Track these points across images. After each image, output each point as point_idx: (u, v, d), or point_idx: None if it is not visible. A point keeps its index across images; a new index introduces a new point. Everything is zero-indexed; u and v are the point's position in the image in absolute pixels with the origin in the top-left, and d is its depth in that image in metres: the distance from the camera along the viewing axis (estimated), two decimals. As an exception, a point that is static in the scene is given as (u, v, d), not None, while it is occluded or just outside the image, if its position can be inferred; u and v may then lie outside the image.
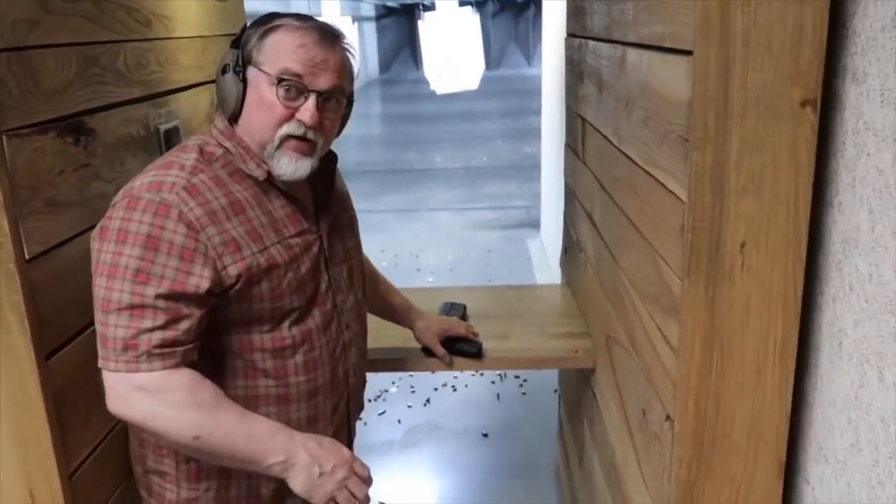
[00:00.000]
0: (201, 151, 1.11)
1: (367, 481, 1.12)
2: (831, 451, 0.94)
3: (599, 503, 1.65)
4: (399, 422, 3.05)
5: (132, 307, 1.00)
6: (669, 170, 1.02)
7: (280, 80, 1.06)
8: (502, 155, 9.10)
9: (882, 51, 0.82)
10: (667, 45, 1.01)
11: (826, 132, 0.93)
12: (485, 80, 4.81)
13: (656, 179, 1.09)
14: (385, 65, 21.40)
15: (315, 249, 1.19)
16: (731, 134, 0.91)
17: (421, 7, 6.14)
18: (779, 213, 0.93)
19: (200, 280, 1.04)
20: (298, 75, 1.06)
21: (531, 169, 7.12)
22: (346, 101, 1.17)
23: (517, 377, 3.34)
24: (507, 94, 14.75)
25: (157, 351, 1.01)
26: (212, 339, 1.10)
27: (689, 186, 0.93)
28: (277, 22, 1.10)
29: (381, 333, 1.67)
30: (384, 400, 3.22)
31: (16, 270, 1.02)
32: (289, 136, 1.08)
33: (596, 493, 1.69)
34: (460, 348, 1.65)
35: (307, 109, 1.08)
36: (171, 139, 1.53)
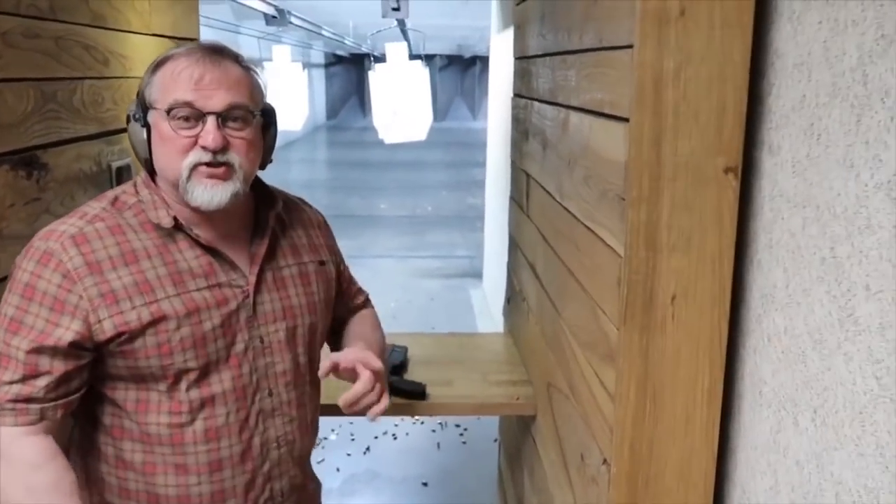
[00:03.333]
0: (115, 200, 1.09)
1: None
2: (753, 493, 1.01)
3: (537, 550, 1.67)
4: (338, 470, 3.00)
5: (0, 357, 0.99)
6: (607, 225, 1.10)
7: (170, 111, 1.03)
8: (447, 205, 9.25)
9: (793, 127, 0.92)
10: (606, 111, 1.10)
11: (746, 197, 1.03)
12: (431, 131, 4.94)
13: (595, 234, 1.16)
14: (333, 111, 21.58)
15: (233, 305, 1.10)
16: (662, 195, 0.99)
17: (371, 58, 6.28)
18: (706, 269, 1.01)
19: (65, 333, 0.99)
20: (188, 102, 1.02)
21: (474, 220, 7.27)
22: (264, 118, 1.11)
23: (457, 426, 3.35)
24: (452, 145, 15.07)
25: (10, 406, 0.98)
26: (108, 392, 1.07)
27: (625, 242, 1.01)
28: (165, 55, 1.07)
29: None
30: (323, 447, 3.17)
31: (-41, 302, 1.00)
32: (197, 165, 1.03)
33: (533, 539, 1.71)
34: (405, 388, 1.67)
35: (207, 133, 1.02)
36: (122, 176, 1.54)
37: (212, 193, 1.04)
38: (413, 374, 1.82)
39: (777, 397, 0.95)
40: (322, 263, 1.26)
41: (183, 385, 1.06)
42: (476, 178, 9.30)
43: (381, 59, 5.75)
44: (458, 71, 21.75)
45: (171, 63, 1.05)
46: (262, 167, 1.16)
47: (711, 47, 0.95)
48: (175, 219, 1.07)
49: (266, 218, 1.17)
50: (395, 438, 3.28)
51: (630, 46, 0.97)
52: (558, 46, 1.45)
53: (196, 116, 1.03)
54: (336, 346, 1.37)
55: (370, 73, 5.51)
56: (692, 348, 1.03)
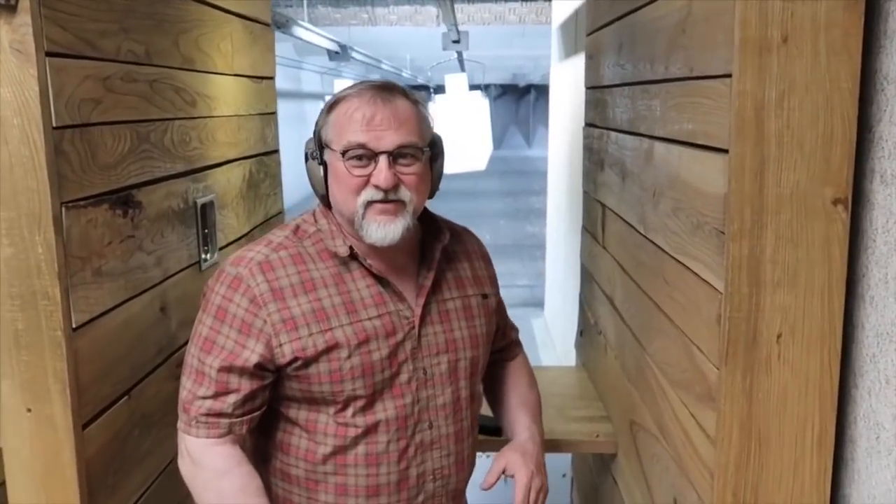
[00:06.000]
0: (296, 229, 1.15)
1: None
2: (872, 547, 0.94)
3: None
4: None
5: (196, 373, 1.08)
6: (703, 259, 1.06)
7: (345, 153, 1.07)
8: (505, 233, 9.22)
9: (910, 156, 0.87)
10: (700, 141, 1.07)
11: (856, 230, 0.97)
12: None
13: (688, 268, 1.12)
14: (389, 142, 21.94)
15: (400, 335, 1.13)
16: (766, 228, 0.95)
17: (431, 88, 6.37)
18: (813, 305, 0.96)
19: (251, 354, 1.06)
20: (361, 144, 1.06)
21: (533, 248, 7.20)
22: (431, 150, 1.13)
23: (524, 459, 3.27)
24: (508, 174, 15.08)
25: (203, 419, 1.06)
26: (283, 410, 1.13)
27: (725, 277, 0.96)
28: (338, 96, 1.12)
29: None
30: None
31: (62, 338, 1.03)
32: (370, 202, 1.08)
33: (615, 585, 1.64)
34: (480, 424, 1.64)
35: (379, 172, 1.06)
36: (206, 212, 1.58)
37: (385, 231, 1.08)
38: (486, 408, 1.78)
39: (899, 444, 0.88)
40: (485, 297, 1.26)
41: (350, 411, 1.11)
42: (533, 206, 9.26)
43: (439, 89, 5.81)
44: (513, 100, 21.85)
45: (345, 104, 1.09)
46: (430, 196, 1.19)
47: (817, 75, 0.92)
48: (350, 248, 1.12)
49: (433, 250, 1.19)
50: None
51: (728, 76, 0.94)
52: (639, 76, 1.42)
53: (369, 156, 1.07)
54: (492, 394, 1.40)
55: (430, 104, 5.58)
56: (800, 389, 0.97)
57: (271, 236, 1.15)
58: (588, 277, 2.06)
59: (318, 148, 1.13)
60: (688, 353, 1.12)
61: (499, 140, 20.69)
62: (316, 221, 1.16)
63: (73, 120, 1.07)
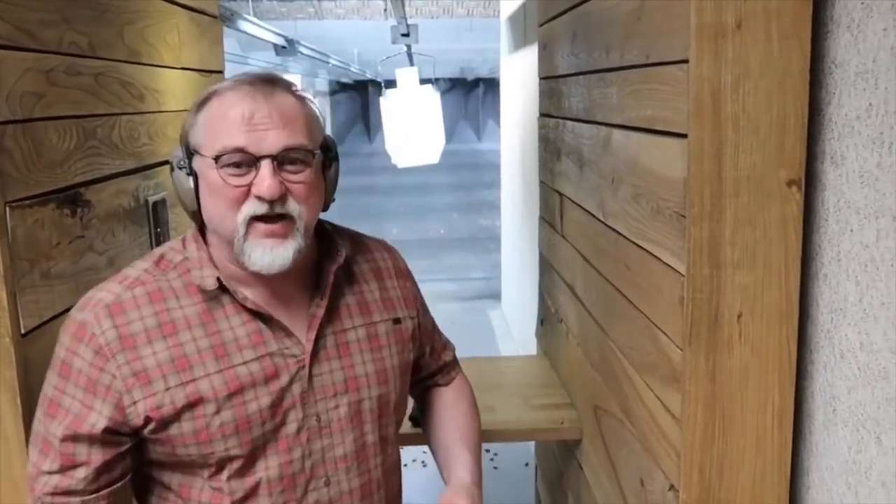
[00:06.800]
0: (159, 259, 0.97)
1: None
2: (832, 515, 0.97)
3: (588, 579, 1.62)
4: (367, 500, 2.95)
5: (42, 441, 0.92)
6: (664, 244, 1.07)
7: (218, 159, 0.89)
8: (459, 227, 9.25)
9: (858, 137, 0.90)
10: (658, 127, 1.08)
11: (809, 210, 1.01)
12: (441, 154, 4.95)
13: (649, 253, 1.14)
14: (339, 138, 21.72)
15: (285, 378, 0.95)
16: (725, 211, 0.97)
17: (383, 83, 6.32)
18: (772, 284, 0.98)
19: (98, 418, 0.89)
20: (239, 147, 0.89)
21: (487, 241, 7.25)
22: (325, 155, 0.98)
23: (487, 450, 3.30)
24: (459, 167, 15.11)
25: (48, 499, 0.91)
26: (156, 473, 0.98)
27: (687, 260, 0.98)
28: (209, 91, 0.94)
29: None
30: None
31: (11, 345, 0.99)
32: (253, 219, 0.90)
33: (583, 568, 1.67)
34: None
35: (262, 179, 0.89)
36: (158, 211, 1.53)
37: (272, 256, 0.91)
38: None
39: (854, 415, 0.92)
40: (397, 321, 1.08)
41: (225, 474, 0.94)
42: (486, 199, 9.31)
43: (389, 84, 5.78)
44: (462, 94, 21.89)
45: (217, 100, 0.92)
46: (325, 208, 1.02)
47: (770, 59, 0.94)
48: (218, 279, 0.94)
49: (327, 273, 1.01)
50: (426, 465, 3.23)
51: (685, 61, 0.96)
52: (595, 65, 1.44)
53: (249, 162, 0.90)
54: (426, 426, 1.22)
55: (381, 99, 5.54)
56: (761, 367, 1.00)
57: (129, 270, 0.97)
58: (547, 267, 2.08)
59: (185, 156, 0.94)
60: (651, 336, 1.14)
61: (449, 134, 20.72)
62: (185, 248, 0.98)
63: (14, 115, 1.02)
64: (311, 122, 0.96)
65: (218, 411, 0.91)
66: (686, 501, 1.03)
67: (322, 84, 18.22)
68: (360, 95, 21.17)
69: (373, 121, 20.15)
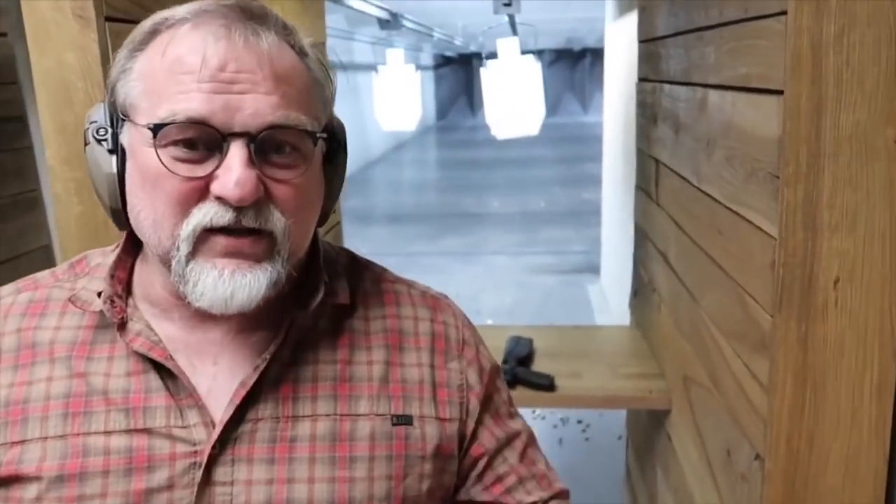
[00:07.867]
0: (80, 260, 0.72)
1: None
2: (934, 496, 0.91)
3: (674, 550, 1.61)
4: (459, 463, 3.03)
5: None
6: (757, 207, 1.03)
7: (158, 132, 0.56)
8: (559, 201, 9.12)
9: (981, 90, 0.83)
10: (754, 85, 1.03)
11: (921, 170, 0.93)
12: (541, 127, 4.88)
13: (742, 217, 1.10)
14: (442, 112, 21.88)
15: (161, 476, 0.60)
16: (823, 172, 0.92)
17: (483, 55, 6.30)
18: (874, 249, 0.92)
19: None
20: (196, 118, 0.56)
21: (589, 215, 7.10)
22: (328, 144, 0.65)
23: (579, 422, 3.29)
24: (562, 140, 14.83)
25: None
26: None
27: (780, 223, 0.94)
28: (156, 21, 0.60)
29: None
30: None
31: None
32: (207, 232, 0.57)
33: (670, 540, 1.65)
34: (532, 380, 1.66)
35: (228, 172, 0.56)
36: None
37: (231, 287, 0.57)
38: (539, 365, 1.80)
39: (963, 391, 0.86)
40: (402, 421, 0.66)
41: None
42: (589, 172, 9.11)
43: (492, 56, 5.75)
44: (568, 66, 21.37)
45: (167, 35, 0.58)
46: (322, 222, 0.68)
47: (879, 8, 0.87)
48: (111, 300, 0.63)
49: (291, 318, 0.65)
50: (516, 433, 3.27)
51: (783, 13, 0.91)
52: (693, 23, 1.38)
53: (210, 141, 0.57)
54: None
55: (482, 70, 5.53)
56: (858, 336, 0.95)
57: (42, 272, 0.71)
58: (642, 237, 2.04)
59: (109, 121, 0.61)
60: (741, 302, 1.10)
61: (554, 107, 20.35)
62: (115, 249, 0.68)
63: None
64: (315, 88, 0.62)
65: (38, 500, 0.59)
66: (772, 472, 1.00)
67: (426, 59, 18.37)
68: (464, 69, 21.16)
69: (476, 95, 20.09)
